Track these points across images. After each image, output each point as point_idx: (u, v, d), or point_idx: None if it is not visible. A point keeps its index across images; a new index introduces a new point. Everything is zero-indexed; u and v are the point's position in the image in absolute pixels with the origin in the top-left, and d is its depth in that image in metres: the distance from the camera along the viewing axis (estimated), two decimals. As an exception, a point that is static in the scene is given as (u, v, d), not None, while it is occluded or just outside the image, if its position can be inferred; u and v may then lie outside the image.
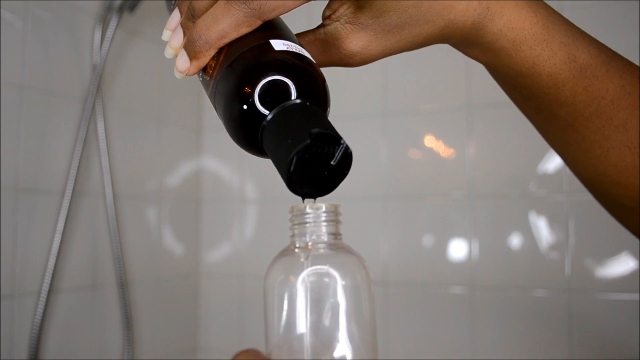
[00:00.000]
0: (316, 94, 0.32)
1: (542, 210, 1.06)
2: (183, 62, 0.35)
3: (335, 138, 0.29)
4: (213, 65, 0.35)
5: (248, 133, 0.32)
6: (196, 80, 1.41)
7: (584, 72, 0.38)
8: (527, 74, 0.38)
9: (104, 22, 1.08)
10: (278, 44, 0.33)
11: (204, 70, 0.36)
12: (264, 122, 0.31)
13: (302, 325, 0.28)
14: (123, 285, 1.11)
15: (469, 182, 1.12)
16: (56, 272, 0.99)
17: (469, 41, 0.38)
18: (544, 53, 0.37)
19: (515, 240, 1.08)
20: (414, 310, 1.14)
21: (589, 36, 0.39)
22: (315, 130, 0.29)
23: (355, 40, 0.37)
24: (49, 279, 0.96)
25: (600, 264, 1.01)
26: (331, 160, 0.29)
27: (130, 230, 1.18)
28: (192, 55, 0.35)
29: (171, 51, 0.37)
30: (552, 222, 1.05)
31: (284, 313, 0.29)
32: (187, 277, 1.36)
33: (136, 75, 1.21)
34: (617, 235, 0.99)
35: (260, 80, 0.31)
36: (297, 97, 0.31)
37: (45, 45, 1.00)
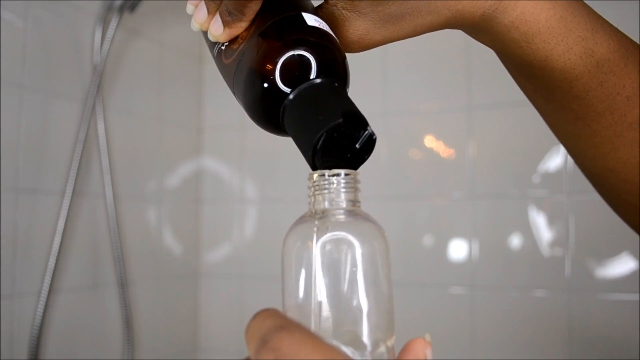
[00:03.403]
0: (342, 76, 0.33)
1: (542, 210, 1.06)
2: (217, 27, 0.34)
3: (363, 122, 0.29)
4: (245, 35, 0.34)
5: (270, 106, 0.32)
6: (196, 80, 1.41)
7: (601, 67, 0.36)
8: (538, 66, 0.36)
9: (104, 22, 1.08)
10: (310, 19, 0.33)
11: (234, 39, 0.35)
12: (292, 96, 0.31)
13: (318, 291, 0.28)
14: (123, 285, 1.11)
15: (469, 182, 1.12)
16: (56, 272, 0.98)
17: (477, 29, 0.36)
18: (558, 47, 0.35)
19: (515, 240, 1.08)
20: (414, 310, 1.14)
21: (611, 27, 0.37)
22: (347, 110, 0.29)
23: (352, 29, 0.35)
24: (49, 279, 0.96)
25: (600, 264, 1.01)
26: (355, 143, 0.29)
27: (130, 230, 1.18)
28: (225, 23, 0.34)
29: (197, 25, 0.36)
30: (552, 222, 1.05)
31: (301, 279, 0.29)
32: (187, 277, 1.36)
33: (136, 75, 1.21)
34: (617, 236, 0.99)
35: (292, 54, 0.31)
36: (325, 77, 0.31)
37: (45, 45, 1.00)
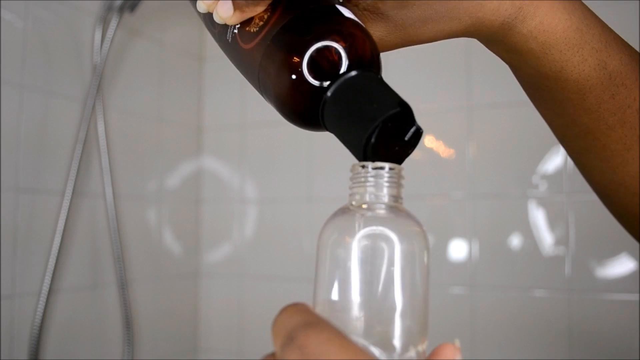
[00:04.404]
0: (379, 69, 0.32)
1: (542, 210, 1.06)
2: (226, 9, 0.32)
3: (412, 115, 0.29)
4: (266, 17, 0.32)
5: (311, 98, 0.31)
6: (196, 80, 1.41)
7: (613, 79, 0.36)
8: (553, 77, 0.36)
9: (104, 22, 1.08)
10: (345, 11, 0.32)
11: (247, 21, 0.33)
12: (337, 86, 0.30)
13: (351, 287, 0.27)
14: (123, 285, 1.11)
15: (469, 182, 1.12)
16: (56, 272, 0.98)
17: (494, 40, 0.36)
18: (574, 58, 0.35)
19: (515, 240, 1.08)
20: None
21: (622, 40, 0.38)
22: (401, 100, 0.28)
23: (371, 30, 0.35)
24: (49, 279, 0.96)
25: (601, 264, 1.01)
26: (404, 136, 0.29)
27: (130, 230, 1.18)
28: (237, 6, 0.32)
29: (204, 7, 0.33)
30: (552, 222, 1.05)
31: (334, 274, 0.27)
32: (187, 277, 1.36)
33: (136, 75, 1.21)
34: (617, 236, 0.99)
35: (336, 45, 0.30)
36: (366, 69, 0.31)
37: (45, 45, 1.00)
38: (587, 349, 1.01)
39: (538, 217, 1.06)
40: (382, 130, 0.28)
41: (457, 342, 0.27)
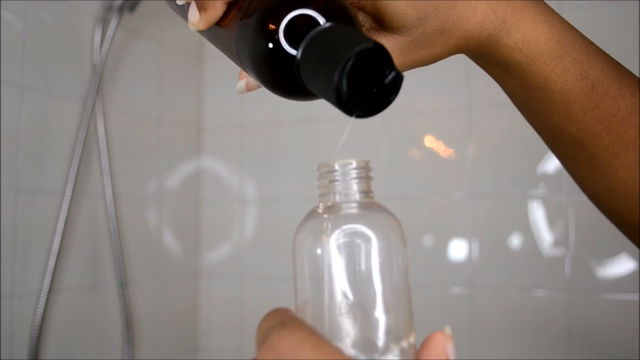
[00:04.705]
0: (359, 26, 0.32)
1: (542, 210, 1.06)
2: (193, 14, 0.33)
3: (390, 60, 0.27)
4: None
5: (288, 57, 0.30)
6: (196, 80, 1.41)
7: (596, 89, 0.38)
8: (538, 88, 0.38)
9: (104, 22, 1.08)
10: None
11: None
12: (315, 32, 0.29)
13: (331, 288, 0.27)
14: (123, 285, 1.11)
15: (469, 182, 1.12)
16: (56, 272, 0.98)
17: (483, 54, 0.38)
18: (557, 69, 0.37)
19: (515, 240, 1.08)
20: (414, 311, 1.14)
21: (603, 52, 0.39)
22: (378, 43, 0.27)
23: None
24: (49, 279, 0.96)
25: (601, 264, 1.01)
26: (383, 80, 0.27)
27: (130, 230, 1.18)
28: (200, 7, 0.33)
29: (182, 1, 0.35)
30: (552, 222, 1.05)
31: (312, 276, 0.27)
32: (187, 277, 1.36)
33: (136, 75, 1.21)
34: (617, 236, 0.99)
35: (310, 8, 0.30)
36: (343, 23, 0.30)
37: (45, 45, 1.00)
38: (587, 349, 1.01)
39: (538, 217, 1.06)
40: (356, 68, 0.26)
41: (448, 330, 0.26)
